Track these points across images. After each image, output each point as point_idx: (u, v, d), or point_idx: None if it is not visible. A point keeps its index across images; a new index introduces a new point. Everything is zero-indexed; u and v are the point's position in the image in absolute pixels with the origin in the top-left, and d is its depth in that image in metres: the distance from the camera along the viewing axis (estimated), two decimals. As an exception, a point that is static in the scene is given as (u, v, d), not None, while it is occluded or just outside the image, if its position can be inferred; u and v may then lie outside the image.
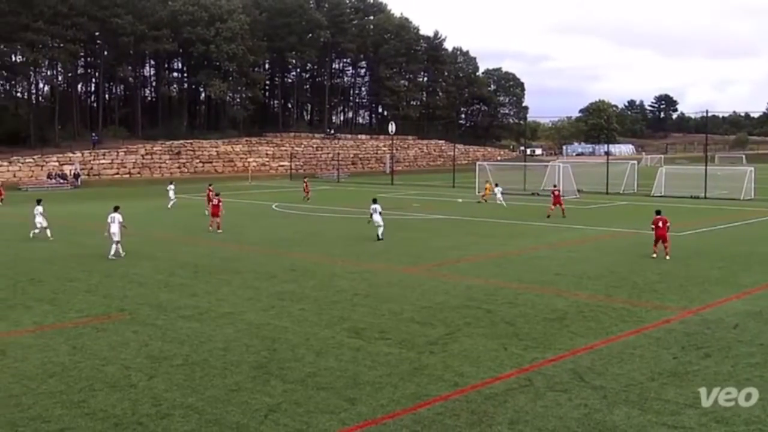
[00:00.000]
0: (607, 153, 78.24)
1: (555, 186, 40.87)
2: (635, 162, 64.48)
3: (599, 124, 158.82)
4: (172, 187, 43.13)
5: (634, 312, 15.90)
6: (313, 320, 15.20)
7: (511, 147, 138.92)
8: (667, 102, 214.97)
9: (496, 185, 45.92)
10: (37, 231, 28.44)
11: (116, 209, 24.39)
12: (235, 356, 12.60)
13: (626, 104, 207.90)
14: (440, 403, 10.34)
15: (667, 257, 22.86)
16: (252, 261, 23.20)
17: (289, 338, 13.76)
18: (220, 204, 31.10)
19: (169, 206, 41.25)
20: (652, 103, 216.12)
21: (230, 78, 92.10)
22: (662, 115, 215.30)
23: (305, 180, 53.88)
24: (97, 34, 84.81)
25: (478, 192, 47.53)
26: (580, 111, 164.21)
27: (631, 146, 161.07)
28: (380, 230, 27.71)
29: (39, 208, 28.63)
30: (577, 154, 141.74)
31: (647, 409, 10.10)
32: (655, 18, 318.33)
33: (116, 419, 9.79)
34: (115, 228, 23.70)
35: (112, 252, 23.58)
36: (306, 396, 10.63)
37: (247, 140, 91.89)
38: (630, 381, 11.24)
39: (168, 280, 19.86)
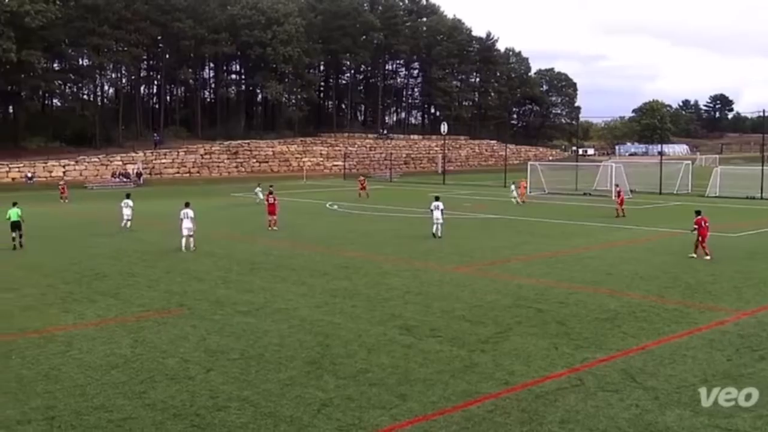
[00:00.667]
0: (661, 153, 76.34)
1: (617, 185, 40.71)
2: (690, 162, 62.93)
3: (652, 124, 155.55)
4: (259, 189, 44.92)
5: (687, 313, 15.68)
6: (365, 317, 15.41)
7: (563, 147, 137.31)
8: (722, 101, 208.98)
9: (513, 182, 46.70)
10: (130, 221, 30.66)
11: (187, 205, 25.46)
12: (289, 351, 12.87)
13: (680, 104, 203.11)
14: (491, 401, 10.40)
15: (707, 257, 22.60)
16: (306, 258, 23.56)
17: (341, 334, 13.99)
18: (276, 203, 31.85)
19: (257, 202, 42.36)
20: (707, 102, 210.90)
21: (286, 80, 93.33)
22: (717, 114, 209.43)
23: (361, 178, 53.86)
24: (159, 38, 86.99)
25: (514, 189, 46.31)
26: (634, 111, 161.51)
27: (685, 146, 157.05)
28: (434, 227, 27.88)
29: (128, 201, 30.98)
30: (630, 154, 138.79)
31: (700, 411, 10.00)
32: (711, 16, 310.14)
33: (175, 410, 10.15)
34: (188, 223, 24.72)
35: (184, 245, 24.73)
36: (358, 391, 10.81)
37: (302, 140, 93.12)
38: (682, 382, 11.13)
39: (225, 276, 20.32)
